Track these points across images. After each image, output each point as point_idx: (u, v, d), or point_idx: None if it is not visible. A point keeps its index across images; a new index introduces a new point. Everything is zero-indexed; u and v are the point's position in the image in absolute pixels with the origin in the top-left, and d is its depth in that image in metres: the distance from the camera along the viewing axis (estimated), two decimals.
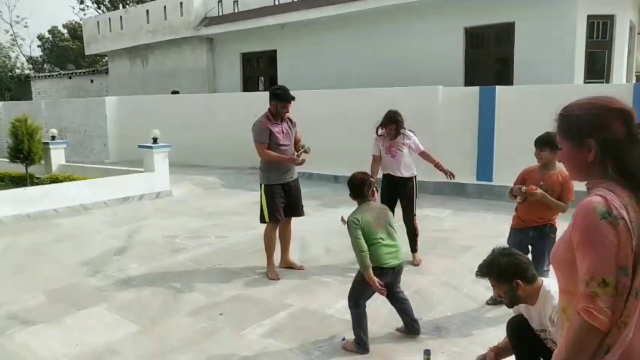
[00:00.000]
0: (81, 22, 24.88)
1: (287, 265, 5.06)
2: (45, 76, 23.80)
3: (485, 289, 4.04)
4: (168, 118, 12.86)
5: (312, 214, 6.89)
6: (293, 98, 4.77)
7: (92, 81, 21.46)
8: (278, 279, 4.74)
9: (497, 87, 8.52)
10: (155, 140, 8.99)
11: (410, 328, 3.55)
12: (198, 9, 15.62)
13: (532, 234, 3.80)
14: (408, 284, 4.58)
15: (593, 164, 1.44)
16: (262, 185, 4.86)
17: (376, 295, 3.41)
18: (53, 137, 10.56)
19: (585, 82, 9.91)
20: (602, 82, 10.02)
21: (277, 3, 13.95)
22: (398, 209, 5.05)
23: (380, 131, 5.10)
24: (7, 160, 9.31)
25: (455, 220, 6.91)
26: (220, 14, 15.24)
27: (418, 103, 9.09)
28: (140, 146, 9.24)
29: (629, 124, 1.42)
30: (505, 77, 10.55)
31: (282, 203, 4.83)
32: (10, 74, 30.01)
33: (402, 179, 5.09)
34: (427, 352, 3.03)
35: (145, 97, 15.09)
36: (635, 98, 7.30)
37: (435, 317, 3.88)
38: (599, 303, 1.32)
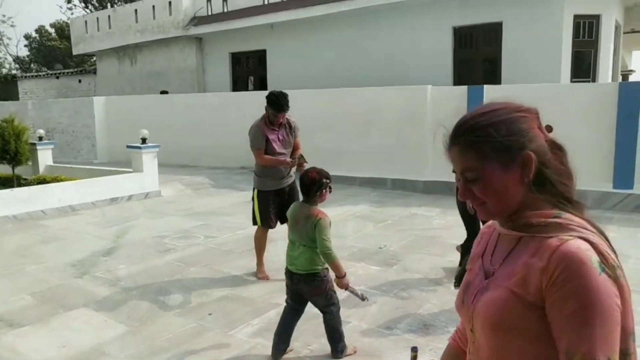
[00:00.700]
0: (69, 21, 24.64)
1: None
2: (32, 76, 23.54)
3: None
4: (157, 118, 12.80)
5: None
6: (287, 108, 4.58)
7: (80, 81, 21.28)
8: (268, 279, 4.74)
9: (485, 86, 8.57)
10: (144, 140, 8.93)
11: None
12: (187, 9, 15.55)
13: None
14: (396, 281, 4.63)
15: (528, 186, 1.05)
16: (255, 190, 4.79)
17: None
18: (40, 138, 10.46)
19: (572, 81, 10.02)
20: (589, 81, 10.14)
21: (266, 3, 13.94)
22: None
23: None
24: None
25: (444, 219, 6.96)
26: (210, 13, 15.20)
27: (407, 102, 9.16)
28: (128, 146, 9.18)
29: (541, 128, 1.09)
30: (493, 76, 10.64)
31: (275, 210, 4.74)
32: None
33: None
34: (414, 349, 3.01)
35: (134, 97, 14.99)
36: (621, 96, 7.41)
37: (422, 314, 3.91)
38: None
